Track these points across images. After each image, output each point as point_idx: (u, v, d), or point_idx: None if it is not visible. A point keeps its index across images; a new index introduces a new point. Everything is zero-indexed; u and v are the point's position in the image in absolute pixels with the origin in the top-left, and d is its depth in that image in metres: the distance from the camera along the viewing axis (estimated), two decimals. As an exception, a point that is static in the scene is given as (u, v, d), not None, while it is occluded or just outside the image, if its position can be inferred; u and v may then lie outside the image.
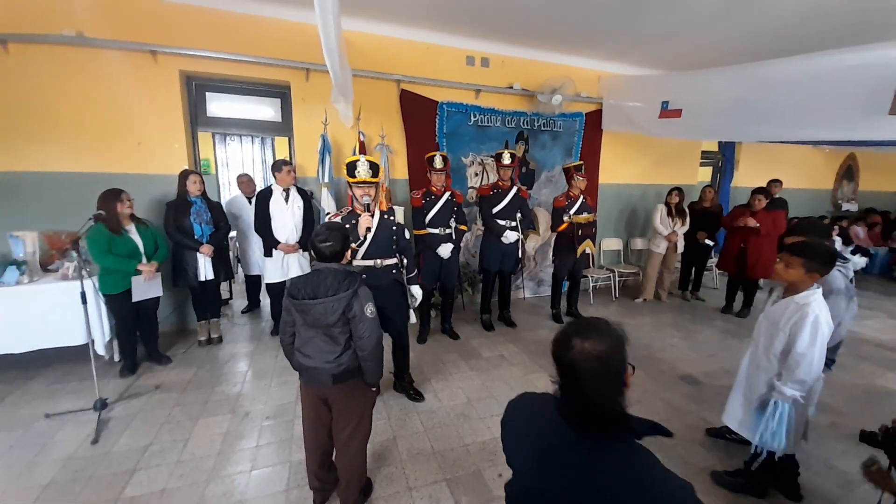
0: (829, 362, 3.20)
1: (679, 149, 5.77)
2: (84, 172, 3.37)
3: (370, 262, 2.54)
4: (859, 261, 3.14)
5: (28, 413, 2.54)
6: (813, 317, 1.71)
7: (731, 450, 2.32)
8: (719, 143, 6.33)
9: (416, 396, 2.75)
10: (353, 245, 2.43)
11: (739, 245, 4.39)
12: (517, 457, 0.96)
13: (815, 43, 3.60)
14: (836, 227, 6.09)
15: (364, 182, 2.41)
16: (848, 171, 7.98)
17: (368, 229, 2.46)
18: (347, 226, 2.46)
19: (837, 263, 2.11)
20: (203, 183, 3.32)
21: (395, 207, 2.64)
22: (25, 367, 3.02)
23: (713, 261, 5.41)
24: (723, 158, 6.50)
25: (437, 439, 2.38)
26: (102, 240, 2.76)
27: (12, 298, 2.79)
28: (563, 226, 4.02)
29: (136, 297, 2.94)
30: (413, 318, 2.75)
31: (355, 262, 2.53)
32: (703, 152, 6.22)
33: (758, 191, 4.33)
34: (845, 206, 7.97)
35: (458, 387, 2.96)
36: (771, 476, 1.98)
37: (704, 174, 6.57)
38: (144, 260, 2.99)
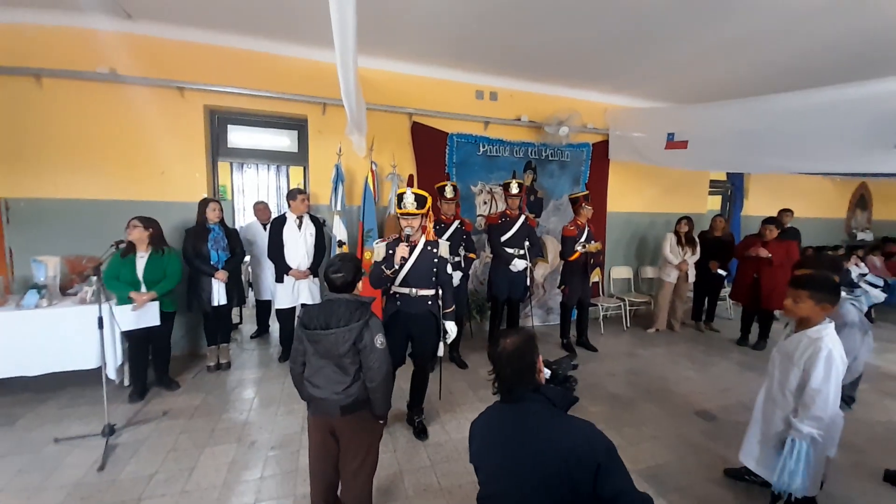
0: (850, 399, 3.09)
1: (687, 178, 5.81)
2: (109, 200, 3.52)
3: (406, 290, 2.56)
4: (879, 295, 3.05)
5: (38, 437, 2.56)
6: (826, 351, 1.68)
7: (751, 492, 2.21)
8: (728, 172, 6.36)
9: (421, 435, 2.68)
10: (387, 272, 2.45)
11: (752, 275, 4.34)
12: (480, 458, 1.25)
13: (820, 77, 3.67)
14: (852, 258, 5.97)
15: (408, 214, 2.46)
16: (861, 200, 7.91)
17: (404, 258, 2.47)
18: (391, 251, 2.51)
19: (849, 296, 2.08)
20: (221, 210, 3.44)
21: (441, 241, 2.60)
22: (38, 390, 3.06)
23: (726, 290, 5.33)
24: (732, 187, 6.51)
25: (444, 474, 2.33)
26: (114, 265, 2.88)
27: (30, 321, 2.85)
28: (576, 255, 4.03)
29: (123, 327, 2.85)
30: (441, 351, 2.68)
31: (393, 288, 2.57)
32: (712, 181, 6.25)
33: (768, 221, 4.32)
34: (860, 236, 7.85)
35: (465, 418, 2.91)
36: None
37: (714, 203, 6.57)
38: (144, 289, 2.97)
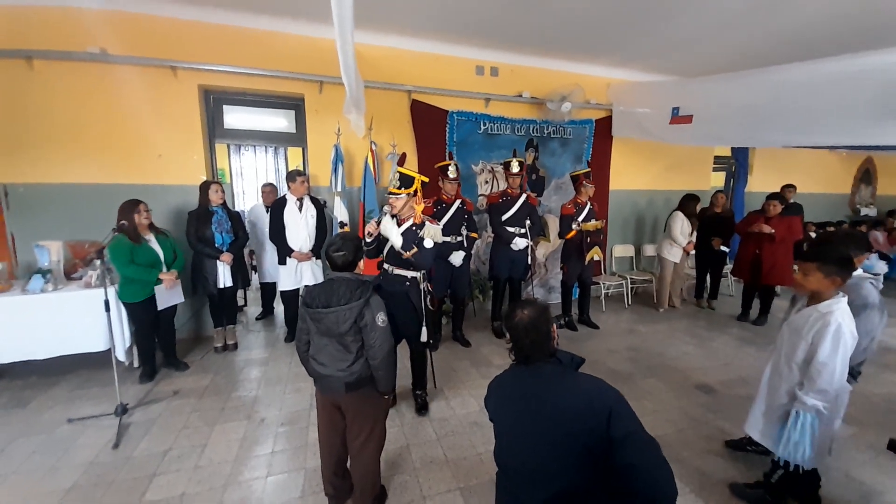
0: (856, 374, 3.13)
1: (691, 154, 5.73)
2: (107, 184, 3.49)
3: (386, 266, 2.62)
4: (881, 267, 3.02)
5: (51, 418, 2.61)
6: (835, 325, 1.66)
7: (749, 461, 2.27)
8: (732, 147, 6.27)
9: (422, 410, 2.72)
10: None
11: (754, 251, 4.33)
12: (497, 414, 1.34)
13: (825, 48, 3.57)
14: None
15: (392, 193, 2.48)
16: (866, 175, 7.81)
17: (370, 234, 2.49)
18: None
19: (869, 276, 2.06)
20: (223, 192, 3.42)
21: (429, 225, 2.55)
22: (48, 373, 3.11)
23: (728, 267, 5.33)
24: (736, 163, 6.42)
25: (450, 447, 2.39)
26: (125, 250, 2.85)
27: (37, 306, 2.88)
28: (572, 233, 4.02)
29: (161, 306, 3.04)
30: (424, 337, 2.62)
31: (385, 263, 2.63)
32: (716, 157, 6.17)
33: (772, 196, 4.28)
34: (864, 211, 7.79)
35: (469, 394, 2.97)
36: (791, 489, 1.94)
37: (717, 179, 6.50)
38: (164, 269, 3.07)
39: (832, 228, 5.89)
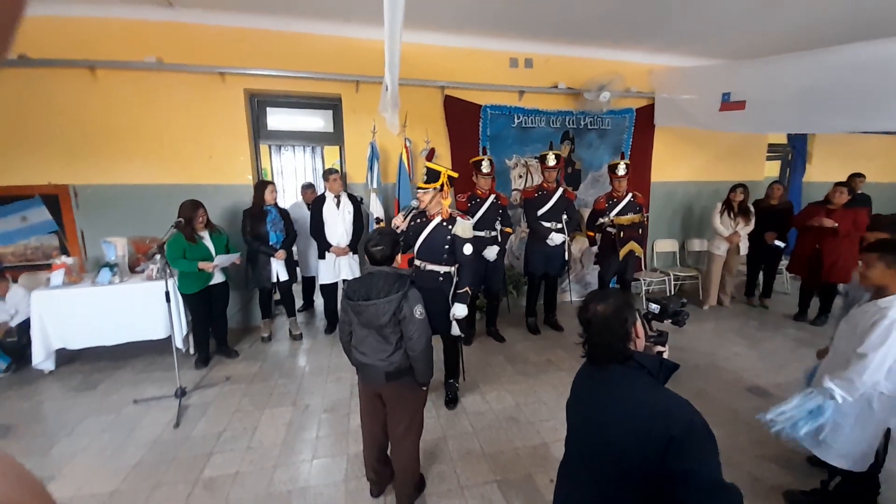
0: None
1: (742, 142, 5.37)
2: (165, 184, 3.75)
3: (418, 263, 2.65)
4: None
5: (118, 399, 2.86)
6: (890, 320, 1.55)
7: (806, 469, 2.13)
8: (789, 134, 5.82)
9: (450, 404, 2.74)
10: None
11: (814, 246, 4.00)
12: (570, 408, 1.27)
13: (888, 26, 3.22)
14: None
15: (419, 187, 2.54)
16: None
17: (396, 227, 2.47)
18: (413, 222, 2.62)
19: None
20: (276, 192, 3.59)
21: (460, 220, 2.56)
22: (115, 358, 3.39)
23: (784, 263, 4.97)
24: (793, 151, 5.96)
25: (486, 441, 2.40)
26: (179, 247, 3.07)
27: (105, 296, 3.18)
28: (591, 234, 4.02)
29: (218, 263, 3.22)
30: (456, 330, 2.61)
31: (416, 260, 2.69)
32: (771, 145, 5.74)
33: (840, 184, 3.91)
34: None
35: (505, 390, 2.96)
36: (849, 496, 1.80)
37: (772, 169, 6.06)
38: None
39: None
